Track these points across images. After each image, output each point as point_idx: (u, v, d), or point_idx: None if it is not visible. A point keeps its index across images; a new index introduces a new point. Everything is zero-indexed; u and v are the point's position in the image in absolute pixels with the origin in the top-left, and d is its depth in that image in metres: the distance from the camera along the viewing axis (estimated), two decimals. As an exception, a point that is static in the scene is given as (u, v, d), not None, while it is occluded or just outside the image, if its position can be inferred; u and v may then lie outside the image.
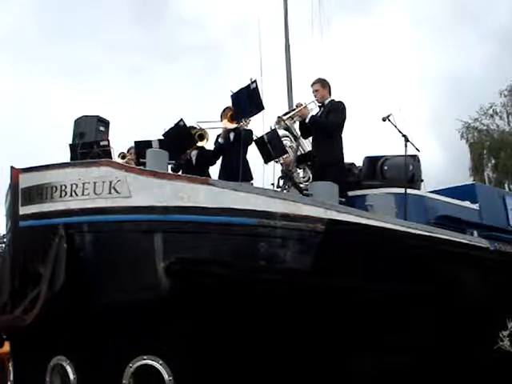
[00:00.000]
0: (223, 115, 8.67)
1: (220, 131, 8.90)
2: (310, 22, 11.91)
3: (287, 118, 8.31)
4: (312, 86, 8.50)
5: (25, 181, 6.57)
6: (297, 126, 8.88)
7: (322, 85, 8.43)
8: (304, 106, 8.37)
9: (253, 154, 8.60)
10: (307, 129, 8.49)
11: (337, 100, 8.38)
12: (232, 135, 8.75)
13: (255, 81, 7.62)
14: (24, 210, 6.57)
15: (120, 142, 9.79)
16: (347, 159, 8.59)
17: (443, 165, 30.21)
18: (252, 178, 8.76)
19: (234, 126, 8.46)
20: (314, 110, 8.45)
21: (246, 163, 8.68)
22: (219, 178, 8.48)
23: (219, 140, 8.86)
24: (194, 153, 8.94)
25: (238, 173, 8.10)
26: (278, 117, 8.30)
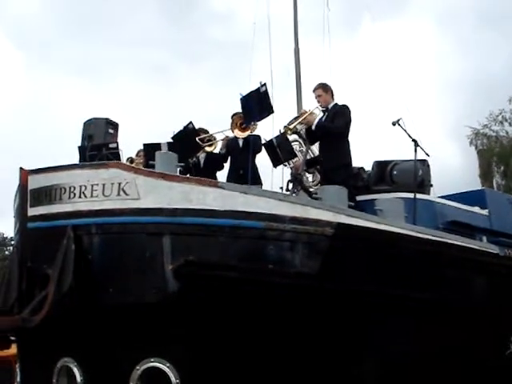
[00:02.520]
0: (233, 124, 8.65)
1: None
2: (322, 23, 11.92)
3: (293, 127, 8.28)
4: (314, 91, 8.50)
5: (33, 182, 6.58)
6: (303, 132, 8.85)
7: (324, 89, 8.42)
8: (309, 112, 8.35)
9: (261, 158, 8.61)
10: (314, 135, 8.47)
11: (340, 104, 8.37)
12: (241, 141, 8.75)
13: (265, 84, 7.63)
14: (32, 212, 6.58)
15: (135, 142, 9.83)
16: (356, 163, 8.58)
17: (460, 169, 30.15)
18: (261, 184, 8.77)
19: (245, 135, 8.45)
20: (319, 115, 8.43)
21: (255, 168, 8.68)
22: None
23: (220, 151, 8.89)
24: (202, 156, 8.95)
25: (246, 177, 8.10)
26: (285, 126, 8.28)
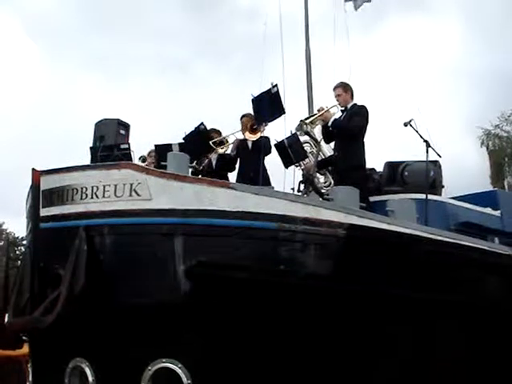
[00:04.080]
0: (243, 127, 8.64)
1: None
2: (334, 22, 11.88)
3: (309, 122, 8.28)
4: (334, 90, 8.48)
5: (46, 183, 6.61)
6: (317, 130, 8.84)
7: (344, 89, 8.41)
8: (326, 109, 8.35)
9: (272, 159, 8.59)
10: (329, 133, 8.46)
11: (359, 104, 8.35)
12: (250, 143, 8.74)
13: (276, 85, 7.62)
14: (45, 212, 6.61)
15: (155, 139, 9.85)
16: (368, 164, 8.55)
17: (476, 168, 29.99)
18: (271, 186, 8.75)
19: (256, 137, 8.43)
20: (336, 114, 8.42)
21: (265, 171, 8.67)
22: (237, 184, 8.46)
23: (230, 152, 8.88)
24: (214, 156, 8.95)
25: (256, 179, 8.09)
26: (301, 120, 8.28)
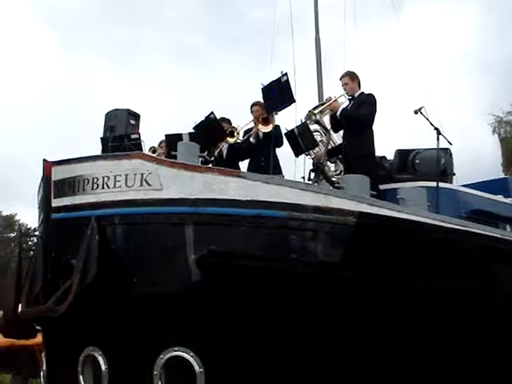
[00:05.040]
0: (255, 119, 8.59)
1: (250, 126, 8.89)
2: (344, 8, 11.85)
3: (318, 112, 8.26)
4: (341, 79, 8.46)
5: (57, 173, 6.63)
6: (327, 119, 8.82)
7: (351, 78, 8.39)
8: (334, 99, 8.33)
9: (283, 148, 8.57)
10: (338, 122, 8.45)
11: (367, 92, 8.33)
12: (261, 132, 8.72)
13: (286, 73, 7.60)
14: (56, 203, 6.63)
15: (154, 134, 9.86)
16: (378, 152, 8.54)
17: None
18: (282, 175, 8.74)
19: (269, 129, 8.37)
20: (344, 103, 8.40)
21: (276, 159, 8.66)
22: (248, 172, 8.43)
23: (251, 140, 8.82)
24: (225, 146, 8.93)
25: (267, 168, 8.08)
26: (309, 111, 8.27)
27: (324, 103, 8.58)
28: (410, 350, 6.44)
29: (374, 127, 8.16)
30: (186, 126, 8.21)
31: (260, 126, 8.44)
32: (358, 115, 8.09)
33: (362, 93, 8.35)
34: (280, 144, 8.45)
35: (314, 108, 8.48)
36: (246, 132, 8.91)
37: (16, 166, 55.85)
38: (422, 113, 7.93)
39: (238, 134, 8.72)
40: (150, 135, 9.71)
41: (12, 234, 44.48)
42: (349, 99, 8.40)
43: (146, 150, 9.02)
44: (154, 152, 9.12)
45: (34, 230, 37.84)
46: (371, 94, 8.23)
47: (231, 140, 8.64)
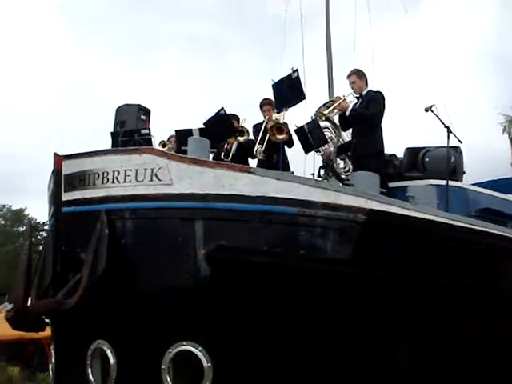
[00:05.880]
0: (269, 131, 8.44)
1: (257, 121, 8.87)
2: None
3: (328, 112, 8.24)
4: (348, 77, 8.44)
5: (67, 167, 6.66)
6: (336, 116, 8.81)
7: (358, 76, 8.36)
8: (343, 98, 8.31)
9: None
10: (346, 121, 8.43)
11: (374, 90, 8.31)
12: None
13: (297, 70, 7.61)
14: (67, 196, 6.67)
15: (164, 129, 9.87)
16: (388, 150, 8.53)
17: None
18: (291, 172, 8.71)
19: (284, 137, 8.26)
20: (352, 101, 8.39)
21: (285, 156, 8.64)
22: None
23: (259, 157, 8.77)
24: (235, 143, 8.91)
25: (277, 165, 8.07)
26: (318, 111, 8.25)
27: (333, 101, 8.56)
28: (417, 347, 6.45)
29: (383, 125, 8.15)
30: (200, 120, 8.19)
31: (275, 138, 8.32)
32: (366, 114, 8.08)
33: (370, 90, 8.33)
34: (291, 144, 8.42)
35: (323, 105, 8.47)
36: (255, 127, 8.89)
37: (24, 159, 56.14)
38: (432, 111, 7.90)
39: (247, 132, 8.69)
40: (164, 130, 9.73)
41: (21, 228, 44.69)
42: (356, 97, 8.38)
43: (155, 145, 9.04)
44: (163, 146, 9.14)
45: (43, 224, 38.14)
46: (379, 92, 8.21)
47: (241, 139, 8.62)
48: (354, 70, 8.51)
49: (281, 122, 8.19)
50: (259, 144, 8.31)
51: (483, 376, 6.88)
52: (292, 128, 8.22)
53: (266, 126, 8.49)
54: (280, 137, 8.18)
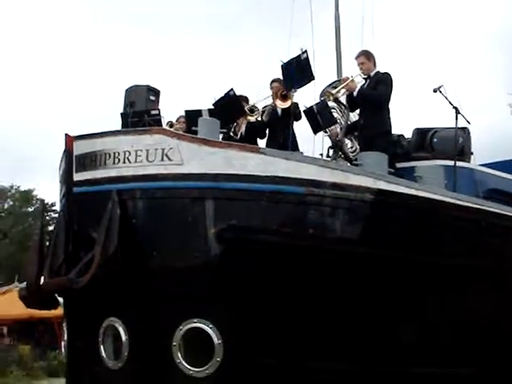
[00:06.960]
0: (274, 95, 8.57)
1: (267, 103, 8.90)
2: None
3: (335, 92, 8.25)
4: (357, 58, 8.41)
5: (79, 148, 6.71)
6: (344, 97, 8.81)
7: (366, 57, 8.34)
8: (351, 79, 8.31)
9: (301, 126, 8.59)
10: (354, 102, 8.44)
11: (382, 71, 8.30)
12: (279, 109, 8.72)
13: (306, 51, 7.60)
14: (78, 177, 6.71)
15: (174, 110, 9.88)
16: (396, 131, 8.55)
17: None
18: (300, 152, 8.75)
19: (287, 105, 8.37)
20: (360, 82, 8.39)
21: (294, 136, 8.67)
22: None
23: (263, 118, 8.85)
24: (244, 123, 8.95)
25: (286, 145, 8.11)
26: (326, 91, 8.27)
27: (340, 82, 8.57)
28: (425, 325, 6.52)
29: (391, 106, 8.15)
30: (210, 100, 8.21)
31: (278, 102, 8.44)
32: (374, 94, 8.08)
33: (378, 72, 8.31)
34: (298, 118, 8.46)
35: (330, 85, 8.48)
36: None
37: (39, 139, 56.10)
38: (441, 91, 7.90)
39: (258, 111, 8.74)
40: (173, 110, 9.74)
41: (29, 209, 44.83)
42: (364, 79, 8.37)
43: (164, 125, 9.06)
44: (171, 126, 9.16)
45: (52, 205, 38.22)
46: (387, 73, 8.20)
47: (252, 118, 8.67)
48: (363, 50, 8.49)
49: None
50: None
51: (488, 353, 6.95)
52: (301, 109, 8.27)
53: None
54: (284, 104, 8.25)
